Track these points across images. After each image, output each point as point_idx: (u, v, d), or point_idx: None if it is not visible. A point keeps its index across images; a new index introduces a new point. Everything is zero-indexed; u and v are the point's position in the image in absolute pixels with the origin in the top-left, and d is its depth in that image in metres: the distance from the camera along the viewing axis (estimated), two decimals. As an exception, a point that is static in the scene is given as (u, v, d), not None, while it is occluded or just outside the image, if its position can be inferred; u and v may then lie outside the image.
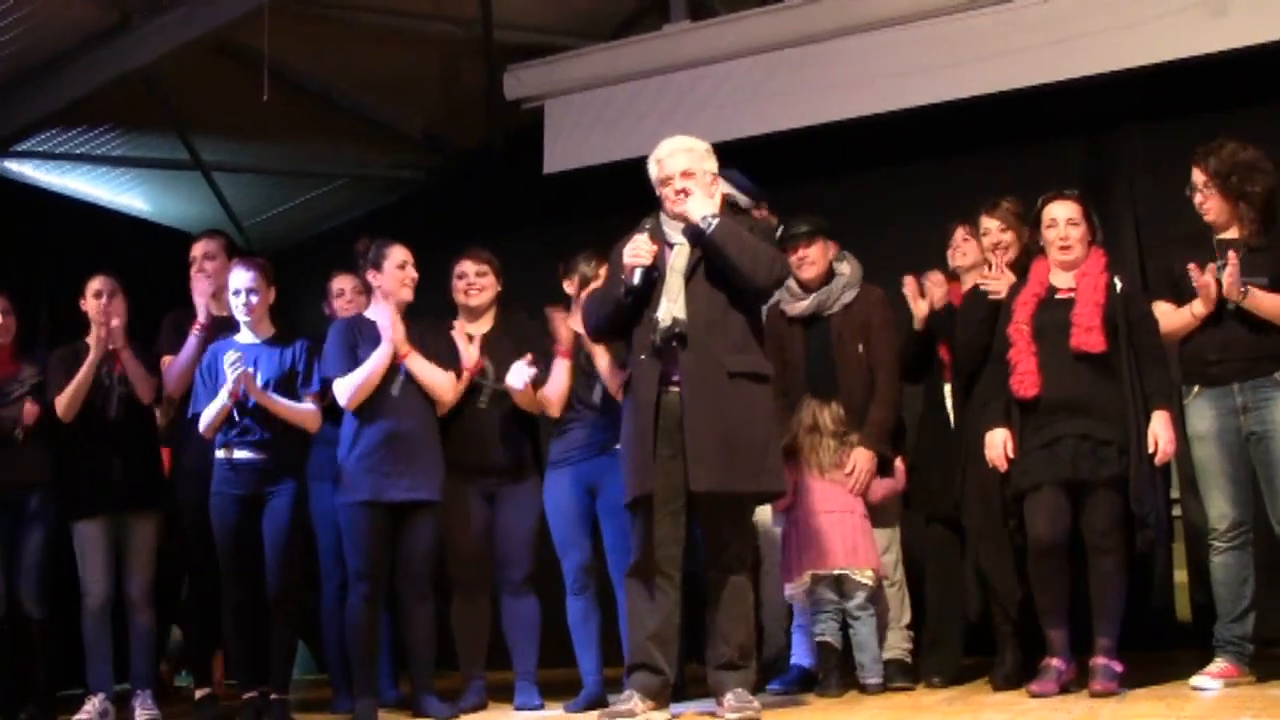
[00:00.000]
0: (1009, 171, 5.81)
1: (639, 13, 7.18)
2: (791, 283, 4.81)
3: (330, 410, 4.74)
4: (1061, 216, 4.32)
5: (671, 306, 3.97)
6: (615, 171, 6.42)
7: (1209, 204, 4.30)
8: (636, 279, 4.02)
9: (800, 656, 4.88)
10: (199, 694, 5.14)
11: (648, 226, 4.13)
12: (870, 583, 4.63)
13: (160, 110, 6.79)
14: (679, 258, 4.04)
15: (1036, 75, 5.93)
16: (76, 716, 4.85)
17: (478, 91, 7.21)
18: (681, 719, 4.10)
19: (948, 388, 4.81)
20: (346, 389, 4.56)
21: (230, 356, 4.55)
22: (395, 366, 4.60)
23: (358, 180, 8.01)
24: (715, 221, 4.00)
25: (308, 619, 5.19)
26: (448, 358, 4.74)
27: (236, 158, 7.54)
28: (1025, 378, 4.21)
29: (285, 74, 6.56)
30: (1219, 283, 4.13)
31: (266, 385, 4.59)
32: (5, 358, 5.08)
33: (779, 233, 4.76)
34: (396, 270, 4.67)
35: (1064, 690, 4.12)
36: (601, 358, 4.57)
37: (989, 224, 4.69)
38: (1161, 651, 5.19)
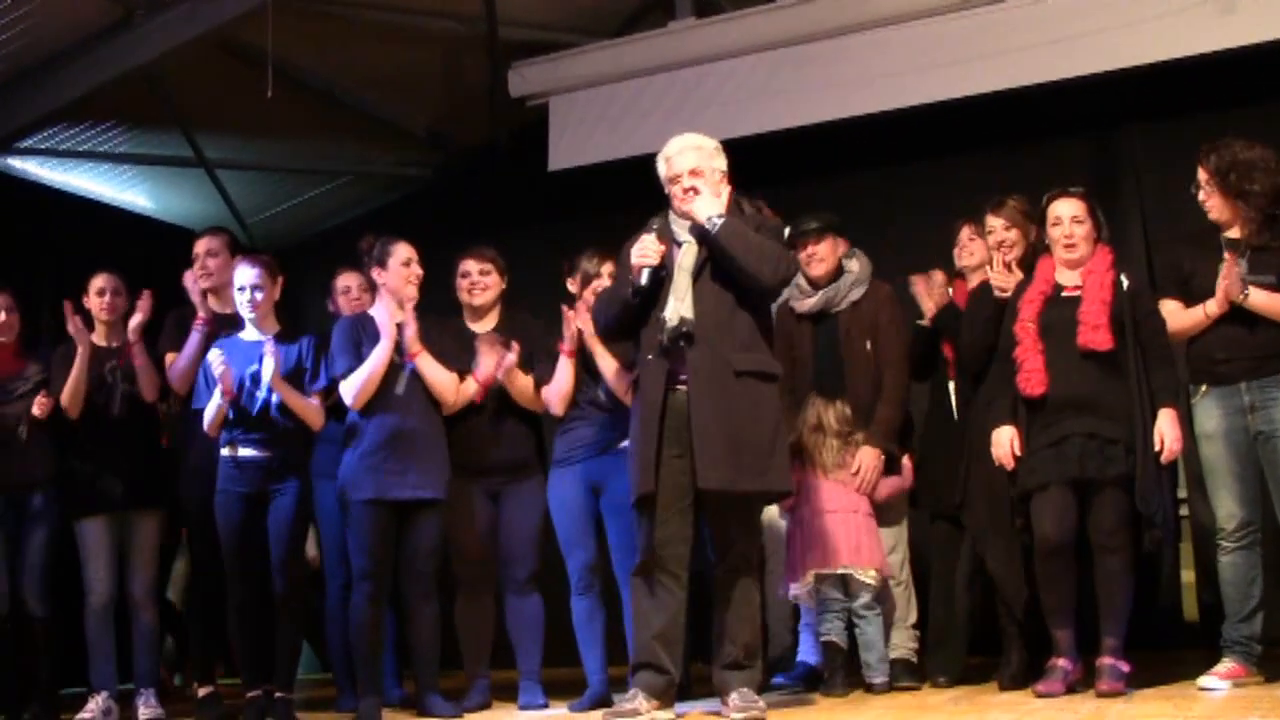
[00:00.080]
0: (1016, 169, 5.81)
1: (644, 9, 7.17)
2: (800, 279, 4.81)
3: (334, 408, 4.73)
4: (1066, 214, 4.30)
5: (679, 306, 3.95)
6: (620, 169, 6.42)
7: (1210, 202, 4.30)
8: (644, 280, 4.01)
9: (806, 654, 4.87)
10: (202, 692, 5.14)
11: (655, 226, 4.12)
12: (874, 582, 4.62)
13: (163, 107, 6.79)
14: (687, 256, 4.03)
15: (1044, 73, 5.93)
16: (80, 715, 4.86)
17: (482, 88, 7.21)
18: (686, 719, 4.09)
19: (951, 385, 4.80)
20: (350, 389, 4.55)
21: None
22: (399, 365, 4.59)
23: (361, 177, 8.02)
24: (720, 221, 3.98)
25: (311, 617, 5.19)
26: (454, 356, 4.72)
27: (240, 155, 7.54)
28: (1032, 376, 4.20)
29: (289, 71, 6.56)
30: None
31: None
32: (9, 356, 5.07)
33: (788, 230, 4.74)
34: (401, 268, 4.65)
35: (1070, 690, 4.11)
36: (604, 359, 4.55)
37: (994, 222, 4.67)
38: (1169, 651, 5.19)
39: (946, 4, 6.12)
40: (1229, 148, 4.26)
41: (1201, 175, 4.30)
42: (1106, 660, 4.05)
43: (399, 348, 4.58)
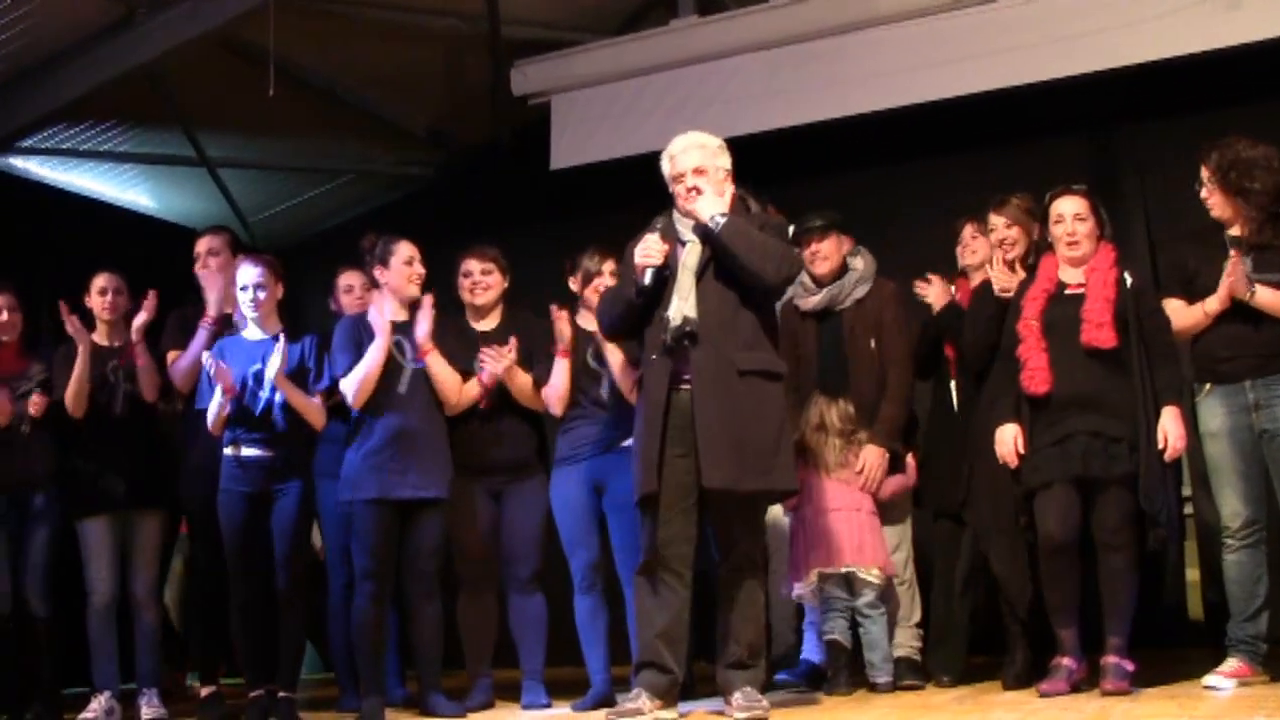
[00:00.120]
0: (1017, 168, 5.79)
1: (646, 8, 7.17)
2: (805, 277, 4.80)
3: (338, 408, 4.72)
4: (1069, 212, 4.29)
5: (682, 305, 3.95)
6: (622, 167, 6.42)
7: (1212, 200, 4.30)
8: (647, 279, 4.00)
9: (810, 653, 4.86)
10: (204, 692, 5.14)
11: (659, 225, 4.12)
12: (878, 581, 4.61)
13: (165, 106, 6.78)
14: (690, 255, 4.02)
15: (1045, 71, 5.92)
16: (82, 715, 4.85)
17: (484, 87, 7.20)
18: (690, 718, 4.08)
19: (953, 384, 4.79)
20: (349, 387, 4.55)
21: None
22: (404, 364, 4.59)
23: (363, 176, 8.01)
24: (723, 220, 3.97)
25: (314, 617, 5.18)
26: (457, 356, 4.72)
27: (242, 154, 7.54)
28: (1036, 374, 4.19)
29: (290, 70, 6.56)
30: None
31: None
32: (11, 355, 5.07)
33: (792, 228, 4.74)
34: (403, 266, 4.65)
35: (1075, 689, 4.10)
36: (614, 355, 4.55)
37: (996, 221, 4.66)
38: (1173, 650, 5.17)
39: (948, 2, 6.11)
40: (1231, 146, 4.26)
41: (1204, 173, 4.30)
42: (1111, 659, 4.04)
43: (406, 345, 4.58)
